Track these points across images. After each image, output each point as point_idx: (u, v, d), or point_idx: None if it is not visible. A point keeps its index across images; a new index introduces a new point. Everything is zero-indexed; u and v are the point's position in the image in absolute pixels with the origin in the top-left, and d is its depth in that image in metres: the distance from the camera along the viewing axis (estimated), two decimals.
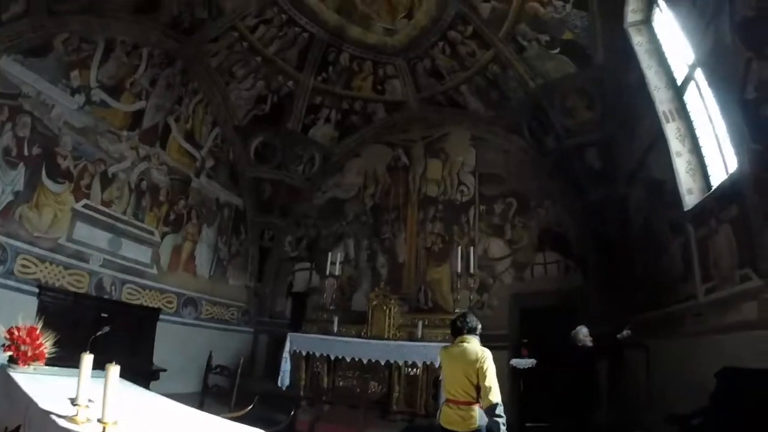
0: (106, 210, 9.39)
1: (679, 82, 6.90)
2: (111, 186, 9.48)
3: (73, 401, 2.50)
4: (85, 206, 8.99)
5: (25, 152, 8.08)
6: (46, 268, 8.28)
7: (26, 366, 4.02)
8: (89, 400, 2.49)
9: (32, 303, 7.93)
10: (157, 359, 9.52)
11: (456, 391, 4.26)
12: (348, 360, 9.00)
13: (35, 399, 2.78)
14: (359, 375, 9.21)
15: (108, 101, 9.37)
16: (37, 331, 4.40)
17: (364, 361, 8.81)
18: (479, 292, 10.33)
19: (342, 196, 12.51)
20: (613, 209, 8.79)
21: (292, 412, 5.69)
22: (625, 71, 7.84)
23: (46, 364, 4.33)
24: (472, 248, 9.86)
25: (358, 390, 9.13)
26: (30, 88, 8.10)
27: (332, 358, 9.19)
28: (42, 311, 7.90)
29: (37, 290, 8.06)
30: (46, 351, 4.29)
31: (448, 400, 4.34)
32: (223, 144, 11.93)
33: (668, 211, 6.89)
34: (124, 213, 9.72)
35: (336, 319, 9.82)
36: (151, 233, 10.26)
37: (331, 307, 10.46)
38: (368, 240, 11.83)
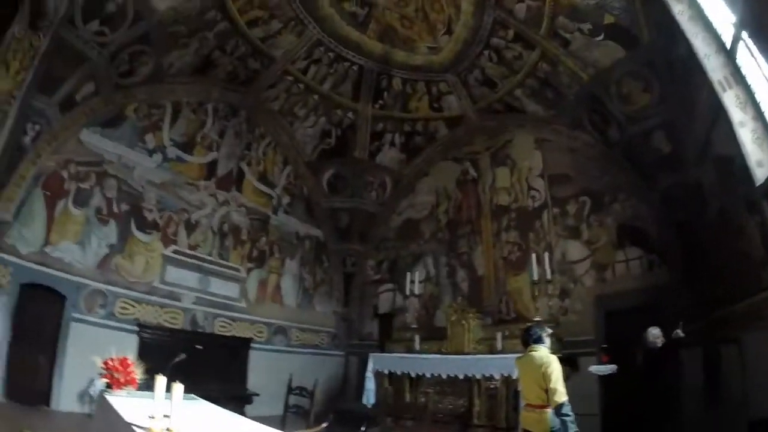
0: (193, 253, 10.33)
1: (728, 45, 6.23)
2: (195, 231, 10.42)
3: (151, 416, 2.86)
4: (173, 251, 9.98)
5: (115, 210, 9.18)
6: (143, 308, 9.27)
7: (120, 390, 4.63)
8: (165, 415, 2.80)
9: (133, 340, 8.89)
10: (251, 385, 10.22)
11: (531, 396, 4.67)
12: (428, 376, 8.93)
13: (122, 414, 3.18)
14: (440, 390, 9.03)
15: (183, 156, 10.39)
16: (129, 361, 5.05)
17: (444, 377, 8.67)
18: (561, 298, 9.80)
19: (416, 216, 12.57)
20: (688, 195, 7.89)
21: (363, 428, 5.93)
22: (673, 45, 7.14)
23: (140, 390, 4.98)
24: (547, 254, 9.47)
25: (439, 405, 9.01)
26: (111, 154, 9.22)
27: (413, 375, 9.16)
28: (142, 346, 8.90)
29: (136, 328, 9.05)
30: (136, 377, 4.91)
31: (526, 405, 4.78)
32: (296, 180, 12.60)
33: (741, 189, 6.12)
34: (210, 254, 10.61)
35: (417, 338, 9.79)
36: (237, 270, 11.06)
37: (414, 326, 10.49)
38: (446, 256, 11.76)
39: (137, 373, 4.96)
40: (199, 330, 10.12)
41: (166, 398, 2.94)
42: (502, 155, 11.53)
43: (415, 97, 11.55)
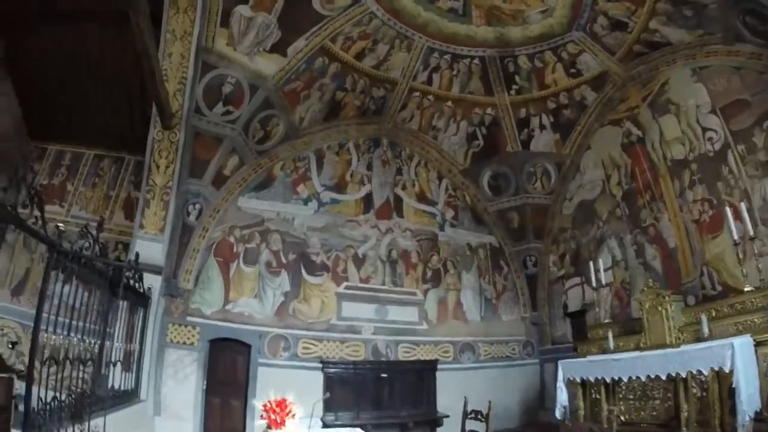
0: (366, 285, 10.55)
1: None
2: (364, 264, 10.64)
3: None
4: (346, 287, 10.31)
5: (283, 260, 9.90)
6: (324, 345, 9.71)
7: (278, 429, 5.20)
8: None
9: (318, 376, 9.38)
10: (441, 406, 9.85)
11: None
12: (625, 380, 7.38)
13: None
14: (641, 395, 7.47)
15: (337, 197, 10.84)
16: (286, 402, 5.61)
17: (643, 378, 7.09)
18: None
19: (589, 197, 10.91)
20: None
21: None
22: None
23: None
24: (744, 203, 7.33)
25: (642, 413, 7.36)
26: (269, 212, 10.04)
27: (608, 380, 7.65)
28: (327, 381, 9.39)
29: (320, 365, 9.50)
30: (293, 416, 5.44)
31: None
32: (455, 192, 12.12)
33: None
34: (383, 283, 10.72)
35: (610, 334, 8.25)
36: (413, 294, 10.93)
37: (607, 320, 9.09)
38: (630, 234, 9.83)
39: (293, 413, 5.42)
40: (382, 359, 10.14)
41: None
42: (662, 102, 9.36)
43: (548, 70, 10.28)
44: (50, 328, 4.37)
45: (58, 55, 9.20)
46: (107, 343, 5.93)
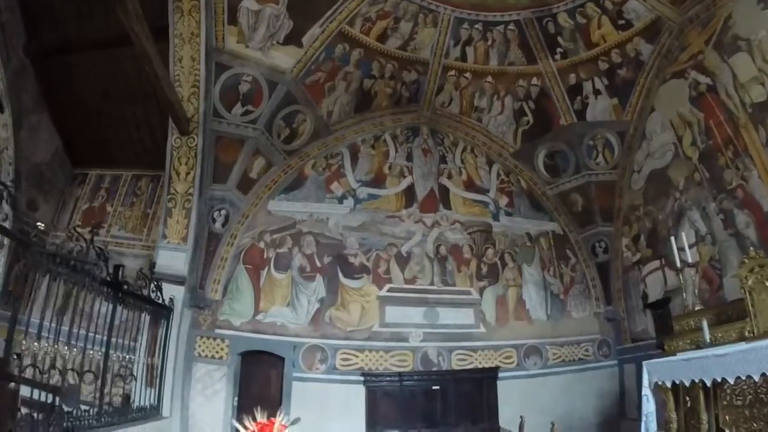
0: (412, 287, 9.45)
1: None
2: (409, 263, 9.58)
3: None
4: (389, 290, 9.28)
5: (318, 264, 9.09)
6: (366, 356, 8.72)
7: None
8: None
9: (359, 391, 8.42)
10: (504, 420, 8.44)
11: None
12: (731, 381, 5.50)
13: None
14: (753, 400, 5.58)
15: (375, 193, 9.92)
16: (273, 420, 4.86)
17: (756, 378, 5.22)
18: None
19: (660, 165, 9.16)
20: None
21: None
22: None
23: None
24: None
25: (753, 425, 5.51)
26: (301, 213, 9.32)
27: (708, 383, 5.80)
28: (370, 396, 8.40)
29: (362, 378, 8.51)
30: None
31: None
32: (508, 177, 10.77)
33: None
34: (432, 283, 9.58)
35: (705, 323, 6.41)
36: (467, 293, 9.69)
37: (697, 308, 7.24)
38: (714, 201, 8.00)
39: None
40: (434, 368, 8.98)
41: None
42: (728, 40, 7.66)
43: (594, 25, 8.84)
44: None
45: (94, 81, 9.22)
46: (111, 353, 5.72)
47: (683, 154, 8.73)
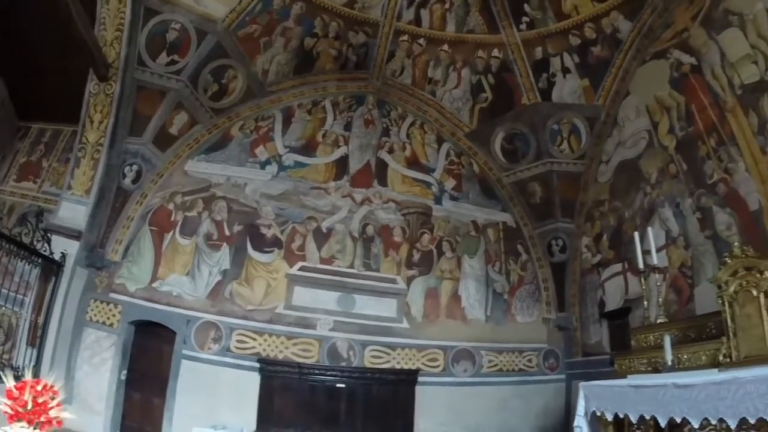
0: (328, 267, 8.05)
1: None
2: (329, 241, 8.23)
3: None
4: (301, 269, 7.87)
5: (226, 233, 7.72)
6: (265, 341, 7.34)
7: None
8: None
9: (254, 379, 7.11)
10: None
11: None
12: (696, 425, 3.86)
13: None
14: None
15: (303, 161, 8.56)
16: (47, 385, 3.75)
17: (731, 424, 3.54)
18: None
19: (631, 155, 7.77)
20: None
21: None
22: None
23: None
24: None
25: None
26: (219, 176, 8.05)
27: (663, 423, 4.17)
28: (264, 387, 7.00)
29: (257, 365, 7.14)
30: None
31: None
32: (459, 158, 9.31)
33: None
34: (352, 266, 8.20)
35: (667, 340, 4.96)
36: (392, 281, 8.21)
37: (660, 320, 5.65)
38: (691, 196, 6.61)
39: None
40: (343, 364, 7.60)
41: None
42: (718, 16, 6.39)
43: None
44: None
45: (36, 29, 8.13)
46: None
47: (658, 142, 7.14)
